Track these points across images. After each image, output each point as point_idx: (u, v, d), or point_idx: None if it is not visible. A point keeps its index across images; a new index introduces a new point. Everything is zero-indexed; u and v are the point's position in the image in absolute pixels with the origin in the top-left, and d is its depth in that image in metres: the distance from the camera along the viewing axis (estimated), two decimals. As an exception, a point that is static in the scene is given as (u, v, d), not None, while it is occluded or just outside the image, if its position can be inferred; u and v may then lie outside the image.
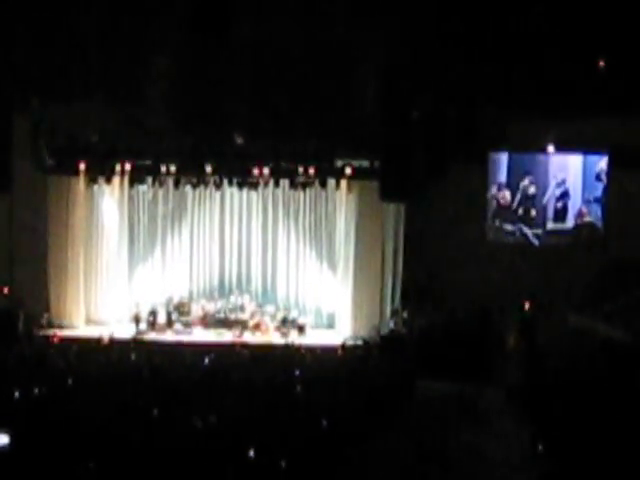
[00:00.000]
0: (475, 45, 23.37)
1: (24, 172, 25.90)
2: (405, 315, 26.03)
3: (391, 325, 26.12)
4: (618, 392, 16.63)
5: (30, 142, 26.30)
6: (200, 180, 27.42)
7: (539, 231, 27.02)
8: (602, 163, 26.47)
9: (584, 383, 17.99)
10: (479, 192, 26.47)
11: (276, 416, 14.91)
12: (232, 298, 27.83)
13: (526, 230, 27.01)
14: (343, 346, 24.88)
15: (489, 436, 16.30)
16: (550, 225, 27.07)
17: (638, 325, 22.56)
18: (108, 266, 27.96)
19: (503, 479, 14.24)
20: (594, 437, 13.72)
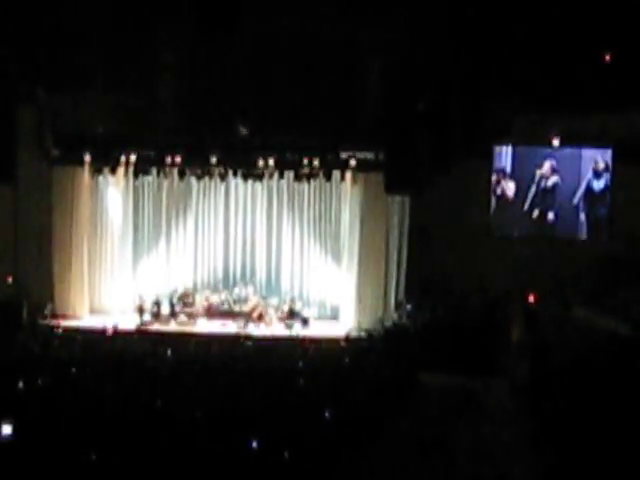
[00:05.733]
0: (480, 39, 23.35)
1: (29, 163, 25.94)
2: (409, 307, 26.01)
3: (395, 317, 26.10)
4: (622, 386, 16.62)
5: (35, 132, 26.32)
6: (205, 171, 27.39)
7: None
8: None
9: (588, 377, 17.98)
10: (483, 185, 26.09)
11: (279, 407, 14.96)
12: (236, 289, 27.82)
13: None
14: (347, 338, 24.91)
15: (492, 429, 16.32)
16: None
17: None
18: (112, 257, 27.96)
19: (506, 472, 14.26)
20: (598, 431, 13.74)
